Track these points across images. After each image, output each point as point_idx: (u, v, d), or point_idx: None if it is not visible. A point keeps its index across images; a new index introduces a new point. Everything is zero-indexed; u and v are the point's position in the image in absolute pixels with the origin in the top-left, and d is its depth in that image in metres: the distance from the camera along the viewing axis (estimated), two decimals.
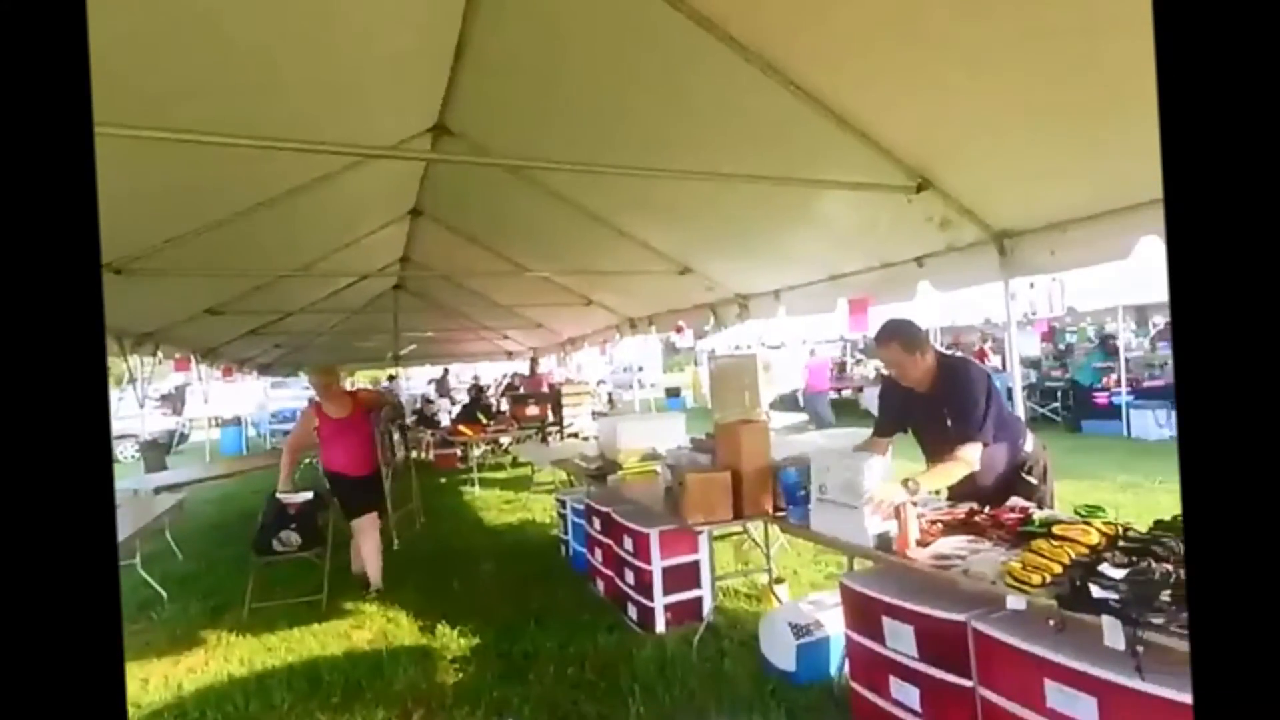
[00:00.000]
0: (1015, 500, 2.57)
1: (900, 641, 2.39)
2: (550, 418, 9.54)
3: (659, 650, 3.43)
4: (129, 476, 8.21)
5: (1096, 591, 1.74)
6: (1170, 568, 1.73)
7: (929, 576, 2.29)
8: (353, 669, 3.50)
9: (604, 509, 4.25)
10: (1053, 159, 3.00)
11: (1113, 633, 1.68)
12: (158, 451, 10.74)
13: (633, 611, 3.88)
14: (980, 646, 2.13)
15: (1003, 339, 9.71)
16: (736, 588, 4.25)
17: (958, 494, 2.79)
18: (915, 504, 2.50)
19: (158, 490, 6.36)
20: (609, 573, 4.23)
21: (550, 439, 9.06)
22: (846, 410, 13.91)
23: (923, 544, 2.41)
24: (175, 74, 2.56)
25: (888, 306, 4.47)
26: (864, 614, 2.56)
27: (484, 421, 9.63)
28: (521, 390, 11.20)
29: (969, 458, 2.63)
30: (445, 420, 11.39)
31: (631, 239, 5.43)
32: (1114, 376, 10.50)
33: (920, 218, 3.68)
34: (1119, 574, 1.73)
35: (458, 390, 14.61)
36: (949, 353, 3.27)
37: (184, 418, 16.70)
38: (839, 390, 15.56)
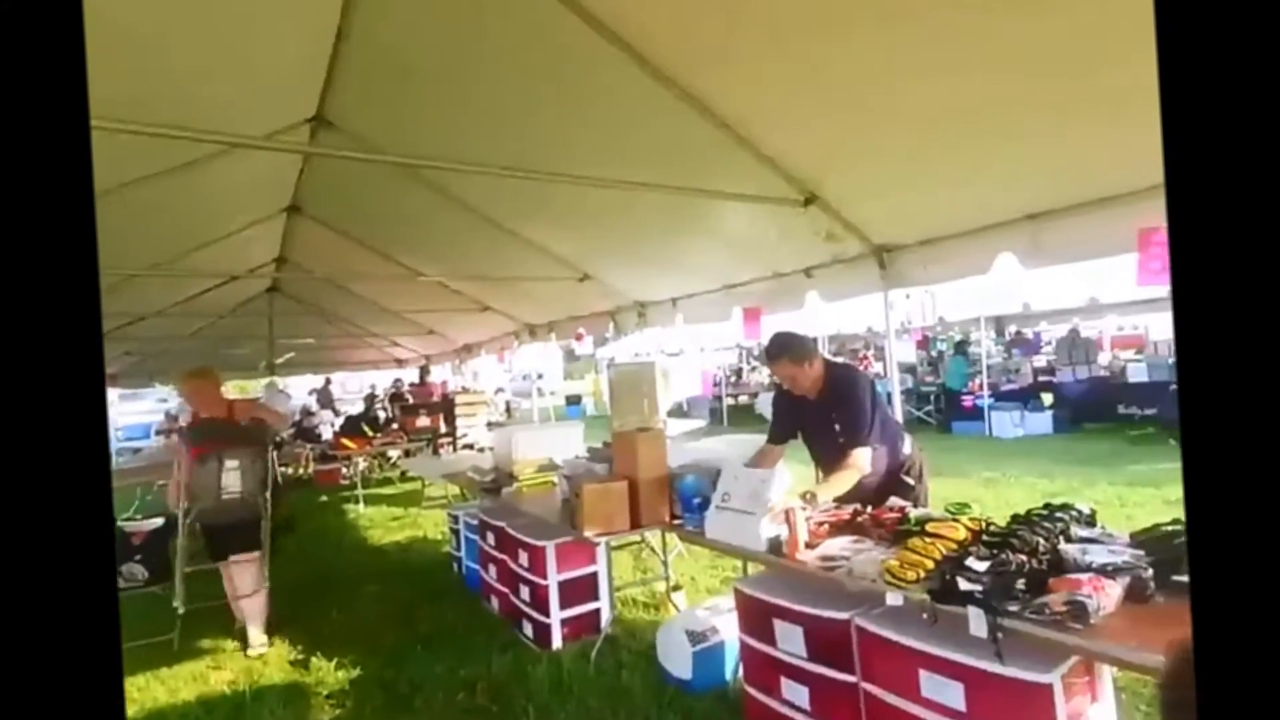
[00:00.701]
0: (894, 500, 2.71)
1: (790, 643, 2.44)
2: (443, 428, 9.13)
3: (555, 667, 3.33)
4: None
5: (963, 584, 1.85)
6: (1025, 558, 1.87)
7: (817, 578, 2.36)
8: (208, 716, 3.12)
9: (498, 523, 4.09)
10: (925, 181, 3.24)
11: (976, 622, 1.79)
12: None
13: (528, 628, 3.75)
14: (863, 643, 2.21)
15: (884, 347, 10.39)
16: (636, 597, 4.23)
17: (844, 496, 2.91)
18: (805, 508, 2.58)
19: None
20: (504, 589, 4.07)
21: (442, 451, 8.66)
22: (742, 416, 14.39)
23: (811, 546, 2.48)
24: None
25: (779, 315, 4.64)
26: (756, 617, 2.60)
27: (370, 434, 9.05)
28: (411, 400, 10.64)
29: (860, 463, 2.77)
30: (328, 433, 10.61)
31: (529, 244, 5.31)
32: (978, 381, 11.55)
33: (808, 231, 3.85)
34: (982, 566, 1.85)
35: (344, 401, 13.68)
36: (836, 360, 3.43)
37: None
38: (735, 396, 16.09)
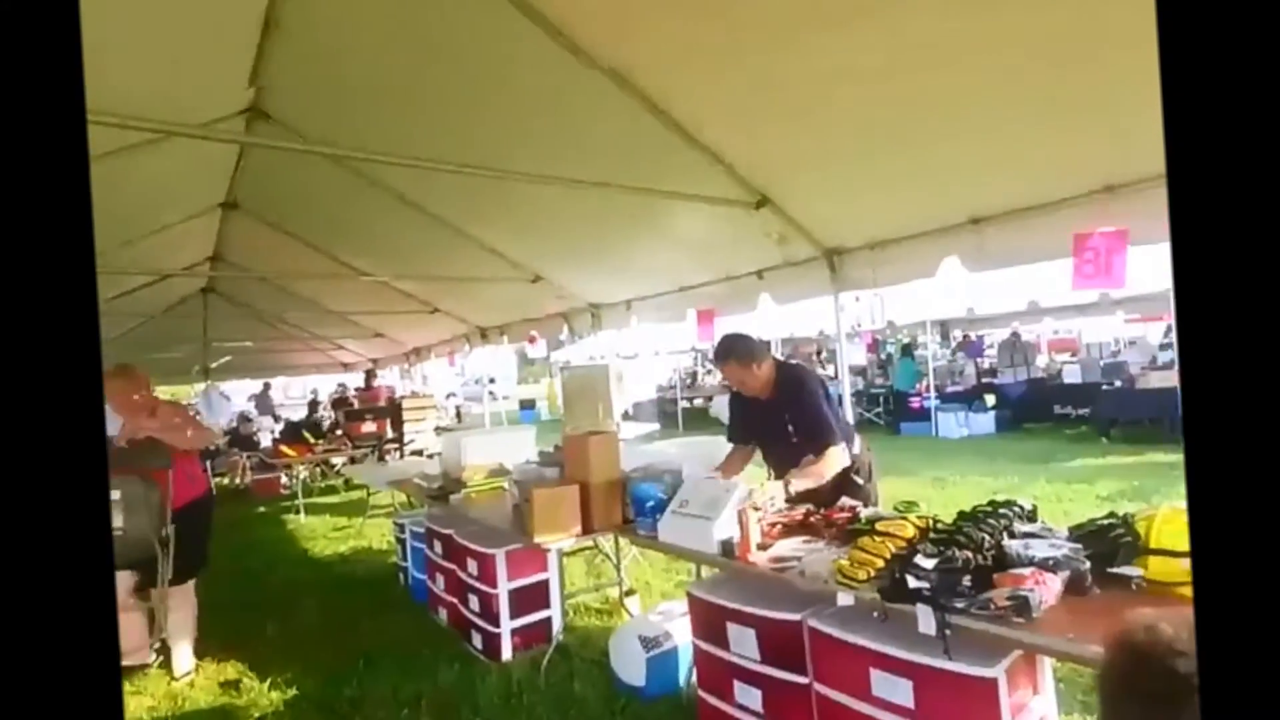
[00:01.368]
0: (845, 500, 2.72)
1: (743, 646, 2.41)
2: (390, 434, 8.83)
3: (505, 679, 3.22)
4: None
5: (912, 582, 1.85)
6: (970, 554, 1.89)
7: (770, 579, 2.34)
8: None
9: (446, 531, 3.96)
10: (874, 185, 3.29)
11: (925, 619, 1.80)
12: None
13: (477, 640, 3.63)
14: (815, 644, 2.20)
15: (836, 349, 10.60)
16: (589, 604, 4.15)
17: (797, 497, 2.91)
18: (757, 509, 2.57)
19: None
20: (452, 599, 3.94)
21: (390, 457, 8.37)
22: (697, 419, 14.46)
23: (763, 547, 2.47)
24: None
25: (733, 317, 4.66)
26: (709, 621, 2.56)
27: (311, 440, 8.66)
28: (356, 405, 10.25)
29: (838, 457, 2.77)
30: (267, 441, 10.14)
31: (480, 244, 5.20)
32: (925, 383, 11.91)
33: (760, 233, 3.87)
34: (930, 564, 1.86)
35: (286, 407, 13.12)
36: (787, 360, 3.44)
37: None
38: (691, 400, 16.16)
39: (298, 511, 7.65)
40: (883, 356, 15.67)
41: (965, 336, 16.16)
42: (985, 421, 11.03)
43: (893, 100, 2.63)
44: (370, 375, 11.40)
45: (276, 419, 11.74)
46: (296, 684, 3.33)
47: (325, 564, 5.76)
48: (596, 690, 3.07)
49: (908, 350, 13.26)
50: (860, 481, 2.99)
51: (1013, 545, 1.92)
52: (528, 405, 19.84)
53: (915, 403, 11.84)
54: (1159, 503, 1.95)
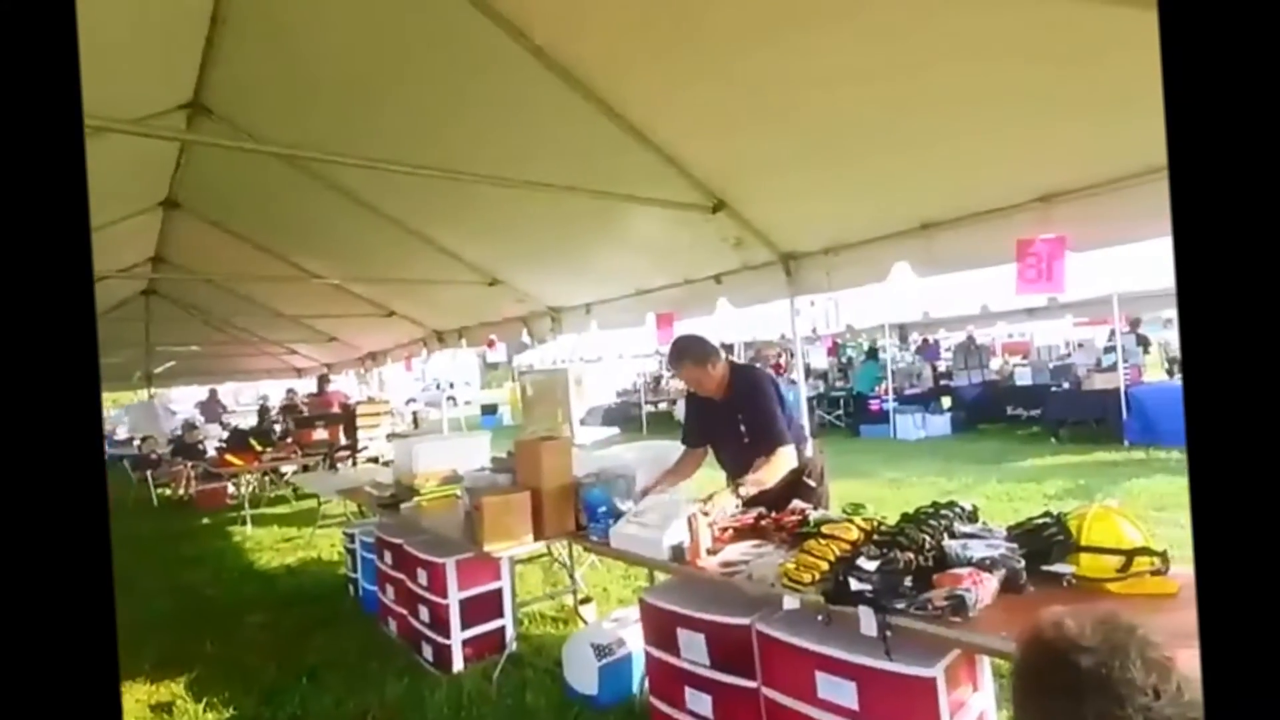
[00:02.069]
0: (796, 503, 2.73)
1: (694, 651, 2.39)
2: (343, 441, 8.58)
3: (455, 691, 3.14)
4: None
5: (854, 584, 1.86)
6: (912, 556, 1.91)
7: (721, 584, 2.33)
8: None
9: (396, 540, 3.85)
10: (828, 190, 3.32)
11: (866, 620, 1.80)
12: None
13: (428, 651, 3.53)
14: (763, 648, 2.19)
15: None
16: (544, 612, 4.08)
17: (756, 497, 2.91)
18: (707, 514, 2.55)
19: None
20: (402, 611, 3.83)
21: (342, 465, 8.12)
22: (662, 422, 14.46)
23: (713, 552, 2.45)
24: None
25: (692, 321, 4.65)
26: (661, 627, 2.54)
27: (259, 448, 8.35)
28: (306, 411, 9.92)
29: (786, 458, 2.79)
30: (213, 449, 9.75)
31: (436, 247, 5.09)
32: (884, 385, 12.13)
33: (717, 237, 3.88)
34: (872, 566, 1.87)
35: (236, 414, 12.65)
36: (742, 362, 3.45)
37: None
38: (655, 404, 16.15)
39: (244, 523, 7.36)
40: (843, 360, 15.92)
41: (924, 340, 16.53)
42: (941, 423, 11.28)
43: (847, 107, 2.66)
44: (324, 380, 11.05)
45: (224, 426, 11.29)
46: (234, 704, 3.19)
47: (271, 577, 5.55)
48: (549, 699, 3.01)
49: (873, 353, 13.47)
50: (812, 484, 3.00)
51: (952, 546, 1.94)
52: (489, 410, 19.58)
53: (875, 405, 12.05)
54: (1103, 500, 2.00)
